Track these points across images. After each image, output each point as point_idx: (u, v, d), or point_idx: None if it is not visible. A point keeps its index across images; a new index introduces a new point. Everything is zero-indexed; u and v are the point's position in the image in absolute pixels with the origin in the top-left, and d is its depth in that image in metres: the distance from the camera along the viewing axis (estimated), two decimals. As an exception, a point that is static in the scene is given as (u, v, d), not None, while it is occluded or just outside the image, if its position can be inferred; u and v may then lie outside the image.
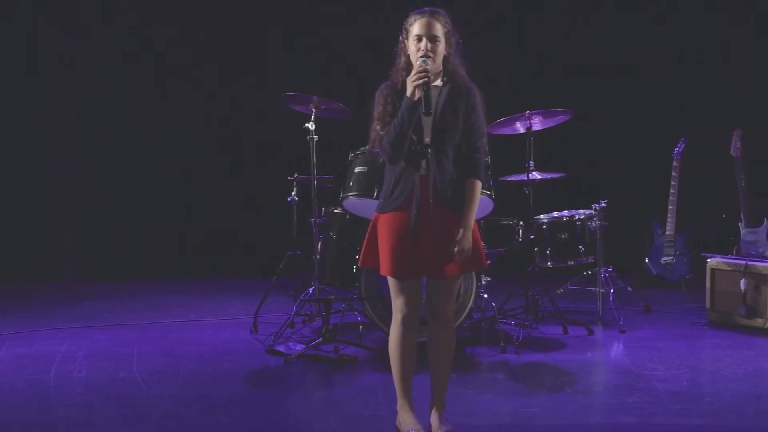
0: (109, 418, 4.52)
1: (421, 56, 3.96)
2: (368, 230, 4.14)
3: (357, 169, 5.76)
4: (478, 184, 4.08)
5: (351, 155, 5.85)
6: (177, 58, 8.51)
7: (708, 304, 6.42)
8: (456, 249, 3.99)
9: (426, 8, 4.05)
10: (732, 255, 6.56)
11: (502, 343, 5.77)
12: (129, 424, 4.46)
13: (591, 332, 6.20)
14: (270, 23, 8.50)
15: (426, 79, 3.89)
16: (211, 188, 8.65)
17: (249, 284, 7.85)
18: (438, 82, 4.05)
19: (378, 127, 4.00)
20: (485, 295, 6.09)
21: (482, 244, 4.20)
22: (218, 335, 6.30)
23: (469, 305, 5.71)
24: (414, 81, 3.90)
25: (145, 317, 6.90)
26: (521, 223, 6.33)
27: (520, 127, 6.31)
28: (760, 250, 6.91)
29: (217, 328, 6.52)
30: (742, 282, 6.19)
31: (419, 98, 3.91)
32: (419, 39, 3.99)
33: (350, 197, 5.75)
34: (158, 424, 4.47)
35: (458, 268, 4.08)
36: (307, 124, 6.00)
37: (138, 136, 8.62)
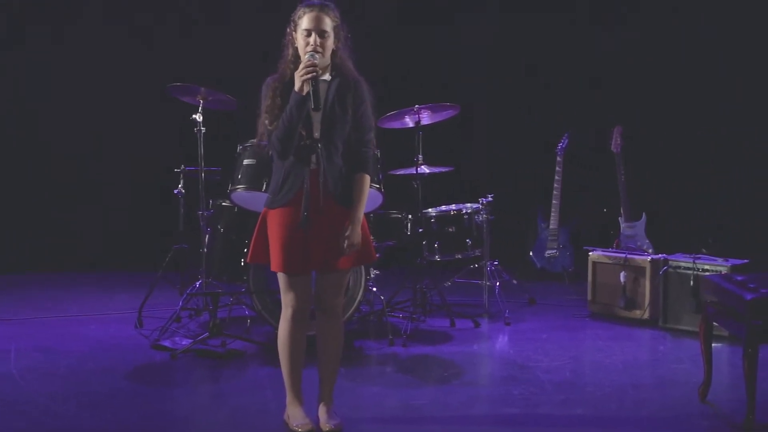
0: (-16, 416, 4.37)
1: (310, 51, 3.94)
2: (257, 225, 4.10)
3: (245, 162, 5.70)
4: (367, 178, 4.09)
5: (239, 147, 5.78)
6: (58, 40, 8.25)
7: (590, 297, 6.58)
8: (345, 244, 3.99)
9: (315, 1, 4.02)
10: (612, 248, 6.75)
11: (391, 336, 5.80)
12: (4, 421, 4.30)
13: (477, 324, 6.29)
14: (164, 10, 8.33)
15: (314, 73, 3.88)
16: (95, 180, 8.41)
17: (134, 278, 7.66)
18: (326, 76, 4.04)
19: (266, 122, 3.97)
20: (374, 289, 6.10)
21: (371, 237, 4.21)
22: (101, 330, 6.14)
23: (358, 298, 5.72)
24: (302, 75, 3.88)
25: (24, 312, 6.65)
26: (410, 216, 6.37)
27: (409, 121, 6.35)
28: (639, 244, 7.13)
29: (101, 323, 6.35)
30: (622, 275, 6.37)
31: (308, 93, 3.88)
32: (308, 33, 3.96)
33: (239, 190, 5.69)
34: (35, 420, 4.34)
35: (349, 261, 4.09)
36: (194, 116, 5.90)
37: (20, 126, 8.33)
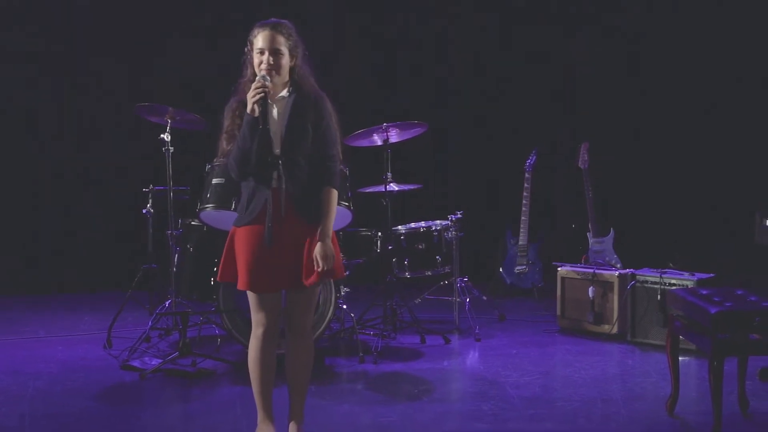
0: (-49, 440, 4.33)
1: (262, 69, 3.97)
2: (226, 244, 4.11)
3: (214, 181, 5.70)
4: (334, 192, 4.10)
5: (208, 166, 5.79)
6: (26, 62, 8.20)
7: (559, 312, 6.62)
8: (318, 259, 4.01)
9: (270, 20, 4.05)
10: (581, 264, 6.79)
11: (361, 354, 5.80)
12: (-27, 446, 4.28)
13: (448, 341, 6.30)
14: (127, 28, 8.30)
15: (263, 94, 3.90)
16: (61, 199, 8.35)
17: (103, 298, 7.62)
18: (284, 93, 4.06)
19: (224, 143, 4.00)
20: (344, 306, 6.11)
21: (340, 255, 4.21)
22: (70, 351, 6.09)
23: (329, 316, 5.73)
24: (252, 97, 3.91)
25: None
26: (379, 234, 6.39)
27: (377, 139, 6.37)
28: (607, 259, 7.19)
29: (69, 344, 6.30)
30: (591, 290, 6.42)
31: (259, 114, 3.91)
32: (262, 52, 3.99)
33: (207, 209, 5.68)
34: (5, 445, 4.31)
35: (316, 277, 4.09)
36: (162, 135, 5.89)
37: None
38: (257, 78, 3.95)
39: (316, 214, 4.04)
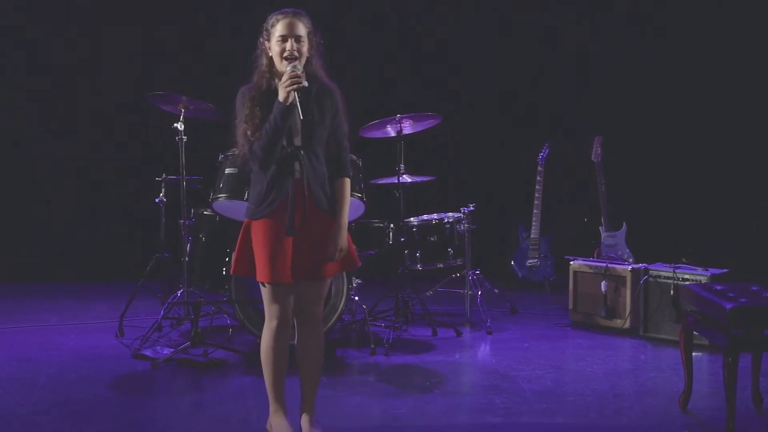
0: (-37, 427, 4.34)
1: (287, 57, 3.95)
2: (240, 237, 4.08)
3: (227, 171, 5.70)
4: (348, 182, 4.14)
5: (221, 156, 5.78)
6: (38, 50, 8.20)
7: (571, 306, 6.60)
8: (334, 249, 4.01)
9: (288, 9, 4.04)
10: (593, 258, 6.77)
11: (373, 345, 5.79)
12: (-15, 433, 4.28)
13: (459, 334, 6.29)
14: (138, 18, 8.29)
15: (300, 83, 3.88)
16: (74, 187, 8.35)
17: (115, 287, 7.63)
18: (304, 83, 4.05)
19: (248, 132, 3.96)
20: (356, 298, 6.11)
21: (353, 246, 4.22)
22: (82, 340, 6.11)
23: (340, 307, 5.72)
24: (287, 86, 3.88)
25: (3, 322, 6.59)
26: (392, 225, 6.37)
27: (390, 131, 6.36)
28: (619, 253, 7.17)
29: (81, 333, 6.31)
30: (603, 284, 6.39)
31: (292, 103, 3.89)
32: (284, 39, 3.97)
33: (220, 199, 5.68)
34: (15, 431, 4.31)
35: (334, 268, 4.10)
36: (175, 125, 5.89)
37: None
38: (289, 68, 3.92)
39: (335, 204, 4.05)
